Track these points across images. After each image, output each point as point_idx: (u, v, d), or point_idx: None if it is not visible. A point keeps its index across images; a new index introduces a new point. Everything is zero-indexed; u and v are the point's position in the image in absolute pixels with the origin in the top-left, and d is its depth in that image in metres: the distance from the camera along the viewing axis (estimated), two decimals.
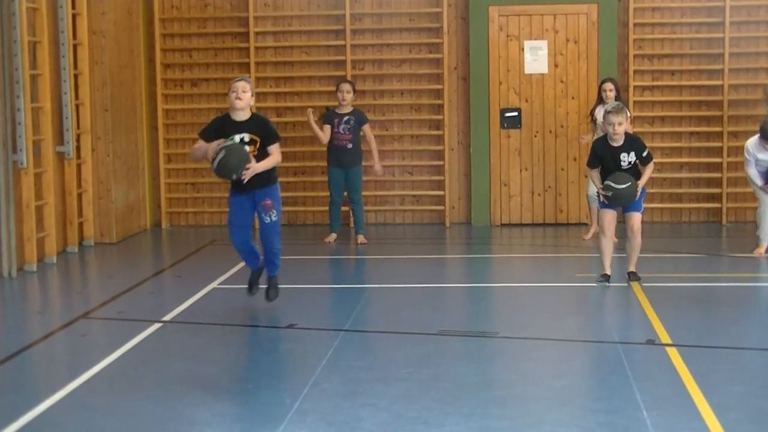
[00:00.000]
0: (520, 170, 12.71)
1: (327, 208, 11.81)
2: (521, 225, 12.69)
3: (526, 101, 12.64)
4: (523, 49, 12.58)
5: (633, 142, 8.87)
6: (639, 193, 8.77)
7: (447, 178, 12.86)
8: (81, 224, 11.46)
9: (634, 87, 12.62)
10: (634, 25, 12.59)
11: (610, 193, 8.71)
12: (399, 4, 12.88)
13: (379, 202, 13.04)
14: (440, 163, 12.89)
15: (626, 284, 8.88)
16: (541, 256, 11.01)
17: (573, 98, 12.44)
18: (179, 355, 7.02)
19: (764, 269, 9.90)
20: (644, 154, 8.83)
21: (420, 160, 13.02)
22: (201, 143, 7.69)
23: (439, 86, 12.80)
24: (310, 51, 13.01)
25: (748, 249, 10.52)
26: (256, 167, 7.52)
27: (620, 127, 8.71)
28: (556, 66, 12.60)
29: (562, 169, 12.62)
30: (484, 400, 5.82)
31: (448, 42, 12.75)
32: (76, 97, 11.29)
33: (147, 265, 10.94)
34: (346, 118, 11.40)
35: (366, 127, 11.50)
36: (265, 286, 8.14)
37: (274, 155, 7.70)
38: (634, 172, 8.80)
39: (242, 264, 8.73)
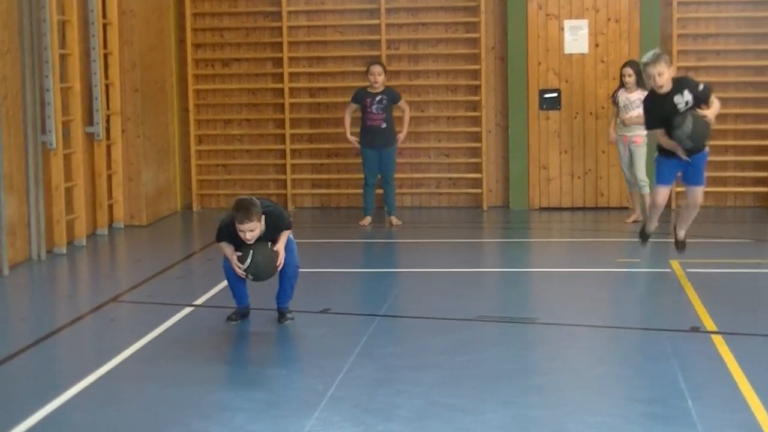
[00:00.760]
0: (560, 153, 12.44)
1: (361, 190, 11.64)
2: (560, 209, 12.44)
3: (566, 82, 12.36)
4: (562, 29, 12.30)
5: (682, 82, 8.10)
6: (710, 123, 7.99)
7: (484, 161, 12.62)
8: (111, 206, 11.38)
9: (678, 68, 12.26)
10: (678, 3, 12.26)
11: (686, 144, 7.91)
12: None
13: (415, 185, 12.83)
14: (477, 145, 12.65)
15: (669, 269, 8.65)
16: (581, 241, 10.78)
17: (614, 79, 12.09)
18: (210, 340, 6.93)
19: None
20: (700, 88, 8.06)
21: (456, 142, 12.79)
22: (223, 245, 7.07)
23: (476, 66, 12.55)
24: (344, 30, 12.80)
25: None
26: (281, 252, 6.97)
27: (661, 78, 7.94)
28: (596, 46, 12.30)
29: (603, 152, 12.32)
30: (521, 388, 5.73)
31: (486, 21, 12.49)
32: (106, 78, 11.19)
33: (177, 248, 10.84)
34: (378, 97, 11.31)
35: (402, 103, 11.51)
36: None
37: (284, 236, 7.03)
38: None
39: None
